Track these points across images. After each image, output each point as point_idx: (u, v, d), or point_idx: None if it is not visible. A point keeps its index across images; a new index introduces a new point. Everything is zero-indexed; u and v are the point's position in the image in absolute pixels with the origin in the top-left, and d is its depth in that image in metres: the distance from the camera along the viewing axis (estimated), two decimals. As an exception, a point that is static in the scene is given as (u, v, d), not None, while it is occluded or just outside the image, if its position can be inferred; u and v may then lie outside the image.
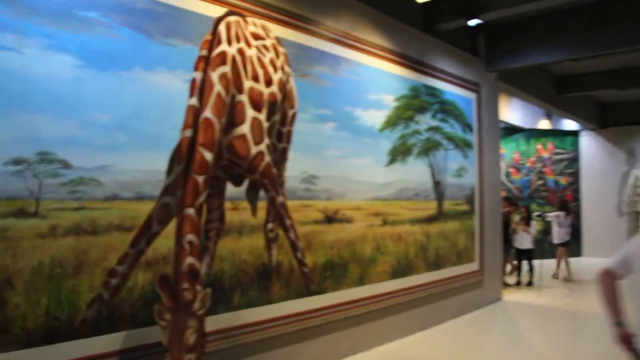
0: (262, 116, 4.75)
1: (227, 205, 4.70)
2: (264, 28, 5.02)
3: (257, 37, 4.86)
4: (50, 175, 3.50)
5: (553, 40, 8.65)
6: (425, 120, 7.46)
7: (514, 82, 10.41)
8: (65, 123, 3.57)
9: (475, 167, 8.76)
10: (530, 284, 10.89)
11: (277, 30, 5.19)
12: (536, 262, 11.19)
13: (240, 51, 4.56)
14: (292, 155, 5.32)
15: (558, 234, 11.72)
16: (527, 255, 10.98)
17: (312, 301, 5.43)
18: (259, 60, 4.82)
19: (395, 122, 6.84)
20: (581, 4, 8.20)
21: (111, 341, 3.73)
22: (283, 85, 5.12)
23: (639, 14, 7.80)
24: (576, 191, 16.10)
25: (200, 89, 4.13)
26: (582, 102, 14.47)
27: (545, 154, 15.75)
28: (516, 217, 11.13)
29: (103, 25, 3.80)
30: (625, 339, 3.02)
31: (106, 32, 3.82)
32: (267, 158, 4.83)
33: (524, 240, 10.89)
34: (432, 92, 7.67)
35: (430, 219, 7.52)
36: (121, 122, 3.88)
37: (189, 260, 3.63)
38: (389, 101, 6.75)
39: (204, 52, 4.31)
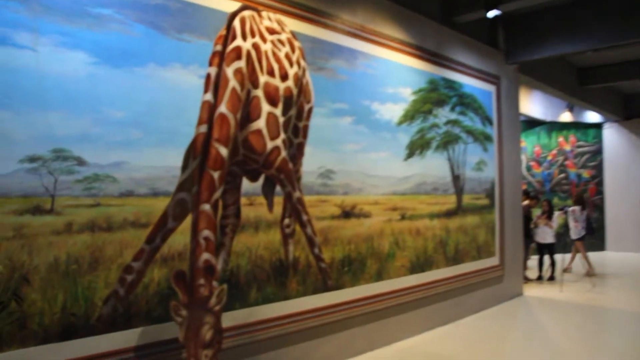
0: (278, 111, 4.72)
1: (243, 200, 4.69)
2: (279, 22, 4.98)
3: (272, 31, 4.82)
4: (65, 172, 3.51)
5: (574, 30, 8.47)
6: (444, 114, 7.37)
7: (534, 74, 10.23)
8: (79, 120, 3.58)
9: (495, 160, 8.63)
10: (551, 278, 10.74)
11: (292, 24, 5.14)
12: (558, 257, 11.03)
13: (255, 46, 4.53)
14: (308, 150, 5.28)
15: (575, 229, 11.55)
16: (549, 249, 10.83)
17: (329, 297, 5.40)
18: (274, 54, 4.78)
19: (413, 115, 6.76)
20: (603, -8, 8.03)
21: (127, 337, 3.73)
22: (299, 80, 5.08)
23: (664, 2, 7.61)
24: (599, 184, 15.82)
25: (215, 85, 4.11)
26: (605, 94, 14.20)
27: (567, 147, 15.49)
28: (537, 211, 10.98)
29: (117, 21, 3.80)
30: None
31: (120, 28, 3.82)
32: (283, 153, 4.79)
33: (545, 235, 10.74)
34: (451, 85, 7.57)
35: (449, 214, 7.43)
36: (136, 118, 3.88)
37: (205, 256, 3.62)
38: (407, 94, 6.67)
39: (219, 48, 4.28)
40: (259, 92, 4.53)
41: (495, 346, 6.34)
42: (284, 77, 4.84)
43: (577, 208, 11.51)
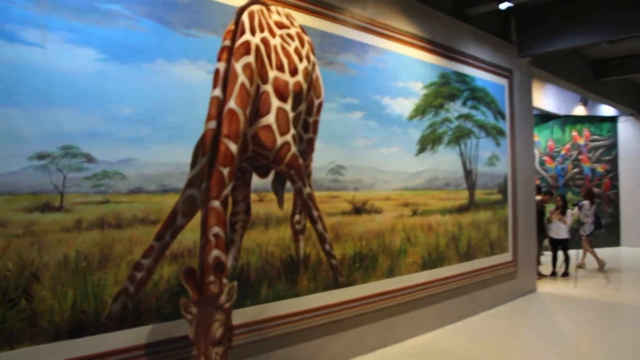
0: (288, 106, 4.68)
1: (253, 197, 4.66)
2: (288, 16, 4.93)
3: (281, 25, 4.77)
4: (74, 169, 3.50)
5: (589, 21, 8.32)
6: (456, 108, 7.29)
7: (547, 67, 10.08)
8: (88, 117, 3.56)
9: (507, 155, 8.54)
10: (565, 274, 10.63)
11: (302, 19, 5.09)
12: (572, 252, 10.91)
13: (264, 40, 4.48)
14: (318, 145, 5.24)
15: (587, 225, 11.41)
16: (563, 245, 10.71)
17: (340, 293, 5.36)
18: (284, 49, 4.73)
19: (424, 110, 6.69)
20: (618, -18, 7.88)
21: (137, 335, 3.72)
22: (308, 75, 5.03)
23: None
24: (614, 179, 15.61)
25: (224, 80, 4.06)
26: (620, 87, 13.99)
27: (581, 141, 15.30)
28: (550, 207, 10.86)
29: (125, 17, 3.77)
30: None
31: (128, 24, 3.79)
32: (293, 149, 4.75)
33: (559, 230, 10.62)
34: (463, 78, 7.48)
35: (461, 209, 7.36)
36: (144, 114, 3.86)
37: (215, 253, 3.59)
38: (418, 89, 6.60)
39: (227, 43, 4.23)
40: (269, 87, 4.49)
41: (508, 344, 6.27)
42: (294, 71, 4.79)
43: (586, 202, 11.37)
